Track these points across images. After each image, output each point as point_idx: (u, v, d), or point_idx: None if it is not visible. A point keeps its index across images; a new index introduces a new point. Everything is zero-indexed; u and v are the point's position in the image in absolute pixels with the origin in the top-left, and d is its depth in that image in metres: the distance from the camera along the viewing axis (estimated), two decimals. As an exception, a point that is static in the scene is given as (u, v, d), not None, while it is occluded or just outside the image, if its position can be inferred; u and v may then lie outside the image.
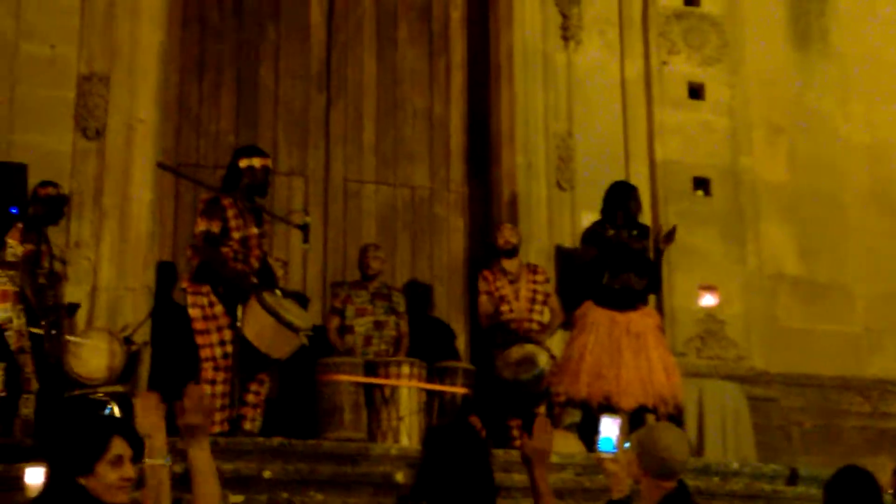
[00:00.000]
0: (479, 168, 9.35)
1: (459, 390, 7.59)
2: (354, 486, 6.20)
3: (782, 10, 10.08)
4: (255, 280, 6.85)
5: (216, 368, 6.62)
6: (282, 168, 8.90)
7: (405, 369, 7.46)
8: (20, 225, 6.98)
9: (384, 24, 9.48)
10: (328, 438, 7.08)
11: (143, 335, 7.73)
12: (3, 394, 6.82)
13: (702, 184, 9.35)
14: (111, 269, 8.01)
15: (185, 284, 6.89)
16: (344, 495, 6.12)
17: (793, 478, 7.24)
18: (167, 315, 7.90)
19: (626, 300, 7.52)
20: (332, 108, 9.21)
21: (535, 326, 8.01)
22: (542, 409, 7.88)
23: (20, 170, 7.62)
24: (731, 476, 7.01)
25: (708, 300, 8.96)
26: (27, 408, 6.71)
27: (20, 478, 4.72)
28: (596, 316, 7.49)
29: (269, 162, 7.12)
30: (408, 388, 7.41)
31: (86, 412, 6.78)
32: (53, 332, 6.93)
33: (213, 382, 6.60)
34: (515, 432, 7.70)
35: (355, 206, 9.10)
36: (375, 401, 7.40)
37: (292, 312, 6.76)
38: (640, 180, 8.99)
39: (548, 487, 3.93)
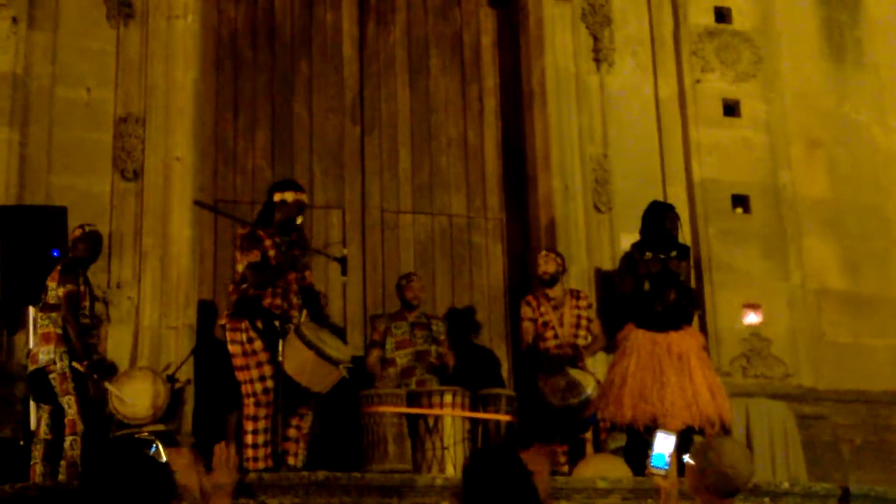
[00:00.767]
0: (516, 194, 9.34)
1: (503, 418, 7.54)
2: (400, 518, 6.17)
3: (815, 22, 10.01)
4: (294, 314, 6.85)
5: (257, 404, 6.62)
6: (318, 201, 8.93)
7: (448, 398, 7.41)
8: (59, 267, 7.02)
9: (415, 53, 9.52)
10: (373, 470, 7.04)
11: (186, 373, 7.75)
12: (48, 437, 6.86)
13: (741, 201, 9.29)
14: (153, 308, 8.06)
15: (223, 321, 6.87)
16: (390, 527, 6.10)
17: (845, 496, 7.12)
18: (210, 352, 7.92)
19: (667, 321, 7.45)
20: (367, 139, 9.24)
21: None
22: (588, 434, 7.84)
23: (61, 213, 7.71)
24: (782, 496, 6.90)
25: (752, 318, 8.88)
26: (73, 450, 6.72)
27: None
28: (637, 338, 7.43)
29: (302, 196, 7.08)
30: (451, 416, 7.37)
31: (142, 465, 6.79)
32: (95, 376, 6.95)
33: (254, 418, 6.60)
34: (562, 458, 7.65)
35: (393, 236, 9.11)
36: (419, 431, 7.36)
37: (332, 346, 6.73)
38: (678, 200, 8.94)
39: None
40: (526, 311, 8.03)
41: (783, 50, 9.76)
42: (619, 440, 7.67)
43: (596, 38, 9.38)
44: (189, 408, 7.81)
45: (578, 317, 8.03)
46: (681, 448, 6.28)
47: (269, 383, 6.60)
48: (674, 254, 7.66)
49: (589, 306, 8.16)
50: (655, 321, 7.43)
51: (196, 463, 3.63)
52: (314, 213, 8.91)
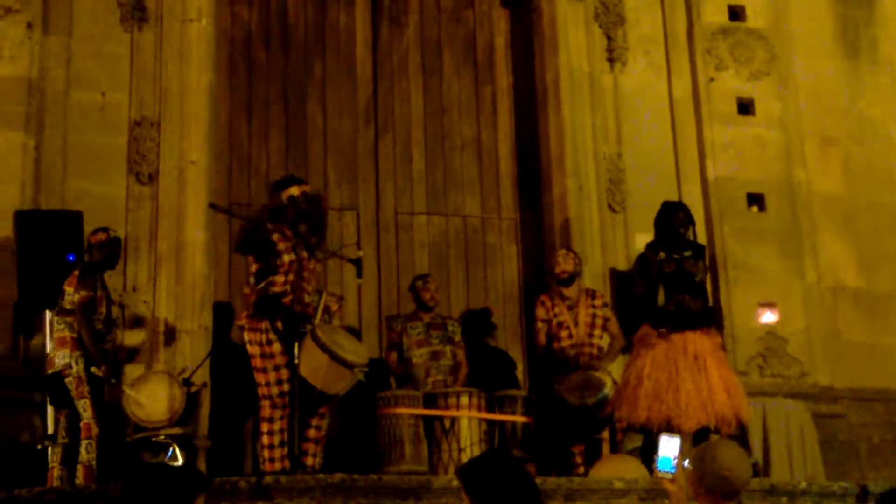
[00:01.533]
0: (530, 194, 9.33)
1: (520, 419, 7.53)
2: (417, 520, 6.17)
3: (829, 20, 9.98)
4: (310, 312, 6.84)
5: (273, 406, 6.62)
6: (333, 203, 8.93)
7: (464, 400, 7.42)
8: (76, 272, 7.05)
9: (428, 54, 9.52)
10: (389, 472, 7.06)
11: (202, 376, 7.76)
12: (65, 440, 6.89)
13: (756, 199, 9.26)
14: (169, 312, 8.07)
15: (242, 321, 6.84)
16: (407, 529, 6.10)
17: (863, 495, 7.09)
18: (225, 355, 7.94)
19: (682, 321, 7.43)
20: (381, 141, 9.25)
21: (594, 352, 7.94)
22: (605, 434, 7.83)
23: (76, 218, 7.74)
24: (799, 496, 6.88)
25: (768, 317, 8.87)
26: (89, 453, 6.75)
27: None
28: (651, 339, 7.41)
29: (307, 188, 7.04)
30: (468, 418, 7.37)
31: (164, 465, 6.82)
32: (113, 381, 6.98)
33: (270, 420, 6.60)
34: (578, 459, 7.65)
35: (407, 237, 9.11)
36: (436, 432, 7.37)
37: (346, 348, 6.71)
38: (692, 199, 8.94)
39: None
40: (539, 312, 8.03)
41: (797, 47, 9.73)
42: (636, 440, 7.66)
43: (609, 38, 9.37)
44: (205, 411, 7.82)
45: (594, 316, 8.02)
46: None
47: (286, 386, 6.59)
48: (688, 253, 7.64)
49: (605, 305, 8.14)
50: (670, 321, 7.41)
51: None
52: (329, 215, 8.90)
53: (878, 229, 9.61)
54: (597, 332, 8.02)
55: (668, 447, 4.05)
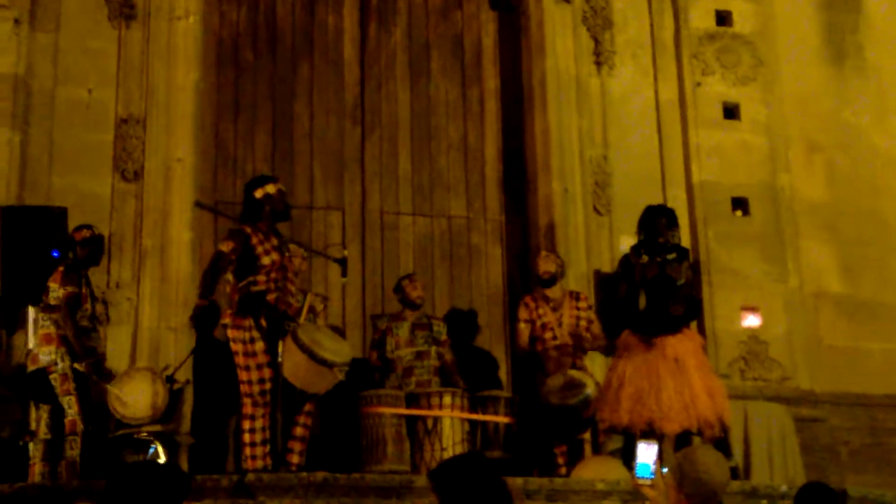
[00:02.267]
0: (516, 196, 9.35)
1: (503, 419, 7.55)
2: (399, 519, 6.18)
3: (815, 26, 10.02)
4: (294, 312, 6.85)
5: (255, 404, 6.62)
6: (318, 202, 8.95)
7: (447, 400, 7.44)
8: (61, 268, 7.04)
9: (416, 56, 9.54)
10: (372, 471, 7.07)
11: (185, 374, 7.76)
12: (48, 436, 6.89)
13: (740, 204, 9.30)
14: (152, 309, 8.08)
15: (226, 319, 6.85)
16: (389, 528, 6.11)
17: (842, 499, 7.13)
18: (209, 353, 7.94)
19: (663, 325, 7.45)
20: (367, 141, 9.26)
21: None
22: (587, 436, 7.85)
23: (61, 214, 7.73)
24: (779, 499, 6.90)
25: (751, 321, 8.90)
26: (73, 449, 6.75)
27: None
28: (632, 343, 7.43)
29: (282, 186, 7.06)
30: (450, 418, 7.39)
31: (150, 463, 6.82)
32: (95, 378, 6.97)
33: (252, 417, 6.61)
34: (561, 460, 7.66)
35: (393, 237, 9.12)
36: (418, 432, 7.39)
37: (327, 347, 6.69)
38: (677, 203, 8.98)
39: None
40: (522, 313, 8.05)
41: (783, 53, 9.77)
42: (617, 442, 7.68)
43: (597, 41, 9.39)
44: (188, 408, 7.81)
45: (577, 318, 8.04)
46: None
47: (268, 385, 6.59)
48: (672, 256, 7.66)
49: (589, 308, 8.17)
50: (650, 325, 7.42)
51: None
52: (314, 214, 8.94)
53: (860, 236, 9.66)
54: (580, 333, 8.04)
55: (646, 454, 4.08)
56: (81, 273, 7.13)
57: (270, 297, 6.71)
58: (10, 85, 8.17)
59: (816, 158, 9.75)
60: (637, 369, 7.26)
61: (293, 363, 6.58)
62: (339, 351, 6.80)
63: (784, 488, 7.12)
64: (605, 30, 9.43)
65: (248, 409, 6.63)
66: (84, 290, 7.07)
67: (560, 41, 9.31)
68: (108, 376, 7.18)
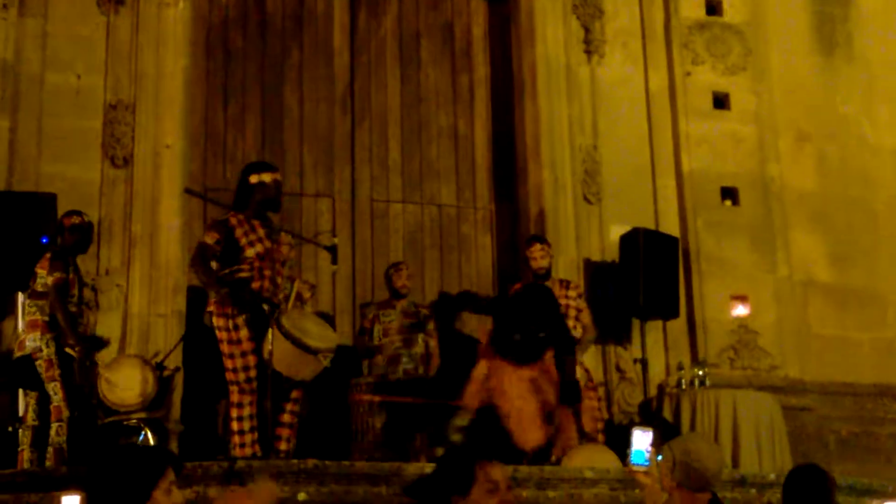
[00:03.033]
0: (506, 184, 9.35)
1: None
2: (389, 507, 6.18)
3: (805, 16, 10.03)
4: (280, 299, 6.80)
5: (241, 392, 6.57)
6: (308, 190, 8.93)
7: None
8: (48, 255, 7.01)
9: (407, 44, 9.52)
10: (361, 458, 7.06)
11: (175, 360, 7.75)
12: (35, 423, 6.87)
13: (730, 193, 9.31)
14: (142, 296, 8.06)
15: (211, 307, 6.79)
16: (379, 516, 6.10)
17: (832, 483, 7.15)
18: (199, 340, 7.91)
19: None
20: (358, 129, 9.24)
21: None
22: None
23: (50, 200, 7.71)
24: (768, 487, 6.92)
25: (740, 310, 8.92)
26: (59, 436, 6.73)
27: (55, 506, 4.74)
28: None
29: (279, 176, 6.97)
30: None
31: (132, 443, 6.82)
32: (88, 363, 6.95)
33: (239, 405, 6.57)
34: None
35: (382, 225, 9.11)
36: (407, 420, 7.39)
37: (312, 334, 6.61)
38: (667, 192, 9.02)
39: None
40: None
41: (773, 43, 9.77)
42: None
43: (587, 30, 9.38)
44: (178, 395, 7.80)
45: (567, 307, 8.02)
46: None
47: (253, 372, 6.53)
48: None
49: (579, 296, 8.15)
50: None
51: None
52: (304, 202, 8.93)
53: (849, 225, 9.68)
54: (570, 322, 8.01)
55: (641, 440, 4.07)
56: (69, 259, 7.09)
57: (255, 284, 6.67)
58: (-3, 71, 8.14)
59: (806, 148, 9.77)
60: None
61: (279, 350, 6.53)
62: (324, 337, 6.71)
63: (772, 477, 7.14)
64: (596, 18, 9.42)
65: (234, 397, 6.59)
66: (72, 276, 7.03)
67: (550, 30, 9.30)
68: (100, 343, 7.19)
